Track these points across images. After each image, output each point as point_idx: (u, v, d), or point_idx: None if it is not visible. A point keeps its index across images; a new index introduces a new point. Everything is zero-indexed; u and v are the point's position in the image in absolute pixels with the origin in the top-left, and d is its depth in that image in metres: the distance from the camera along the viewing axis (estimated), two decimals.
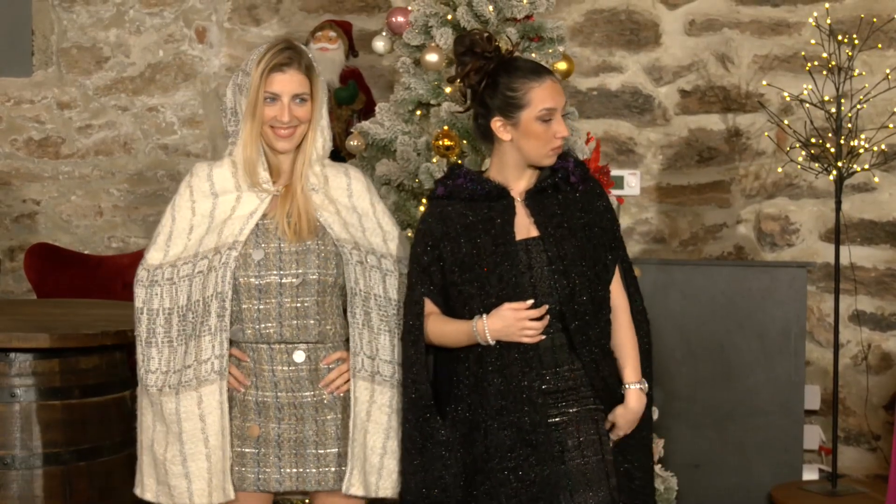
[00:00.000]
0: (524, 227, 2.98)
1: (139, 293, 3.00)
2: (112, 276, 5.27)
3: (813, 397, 5.12)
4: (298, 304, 2.94)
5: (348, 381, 2.98)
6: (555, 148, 2.97)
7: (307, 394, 2.97)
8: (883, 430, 5.21)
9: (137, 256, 5.28)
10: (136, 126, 5.66)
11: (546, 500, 2.87)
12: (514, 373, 2.91)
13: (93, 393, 3.67)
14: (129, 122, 5.66)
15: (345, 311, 3.03)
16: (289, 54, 2.95)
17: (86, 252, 5.54)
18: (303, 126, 2.98)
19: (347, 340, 3.03)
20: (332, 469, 2.97)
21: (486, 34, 3.04)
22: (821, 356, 5.27)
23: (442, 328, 2.99)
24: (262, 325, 2.94)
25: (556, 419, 2.93)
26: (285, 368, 2.95)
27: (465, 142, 3.95)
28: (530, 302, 2.91)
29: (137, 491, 3.04)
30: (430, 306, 3.01)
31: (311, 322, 2.95)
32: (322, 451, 2.97)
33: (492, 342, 2.92)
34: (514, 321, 2.89)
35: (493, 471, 2.90)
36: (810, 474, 4.90)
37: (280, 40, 3.02)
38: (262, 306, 2.93)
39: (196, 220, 3.00)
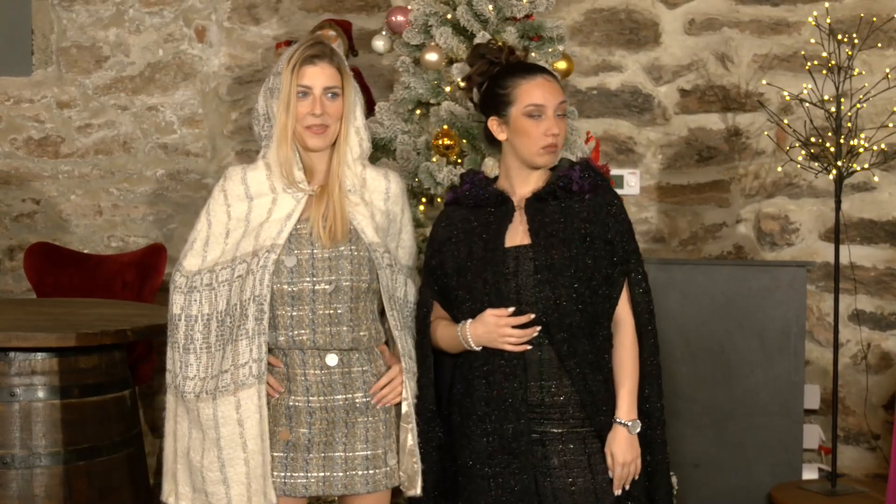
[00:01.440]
0: (518, 233, 2.94)
1: (177, 300, 2.98)
2: (112, 276, 5.27)
3: (813, 397, 5.12)
4: (331, 311, 2.92)
5: (396, 388, 2.97)
6: (546, 146, 2.92)
7: (339, 397, 2.94)
8: (882, 429, 5.21)
9: (137, 256, 5.31)
10: (136, 125, 5.65)
11: None
12: (497, 380, 2.89)
13: (92, 392, 3.67)
14: (129, 122, 5.65)
15: (380, 315, 3.02)
16: (320, 48, 2.96)
17: (85, 251, 5.54)
18: (335, 124, 2.96)
19: (385, 344, 3.03)
20: (360, 472, 2.95)
21: (508, 46, 3.06)
22: (820, 356, 5.27)
23: (441, 333, 2.99)
24: (296, 332, 2.92)
25: (536, 436, 2.88)
26: (318, 372, 2.93)
27: (464, 141, 3.95)
28: (512, 309, 2.87)
29: (171, 500, 3.01)
30: (438, 310, 3.02)
31: (345, 329, 2.93)
32: (350, 454, 2.95)
33: (476, 347, 2.91)
34: (495, 327, 2.87)
35: (474, 477, 2.89)
36: (810, 474, 4.89)
37: (310, 37, 3.02)
38: (295, 313, 2.91)
39: (232, 223, 2.98)
